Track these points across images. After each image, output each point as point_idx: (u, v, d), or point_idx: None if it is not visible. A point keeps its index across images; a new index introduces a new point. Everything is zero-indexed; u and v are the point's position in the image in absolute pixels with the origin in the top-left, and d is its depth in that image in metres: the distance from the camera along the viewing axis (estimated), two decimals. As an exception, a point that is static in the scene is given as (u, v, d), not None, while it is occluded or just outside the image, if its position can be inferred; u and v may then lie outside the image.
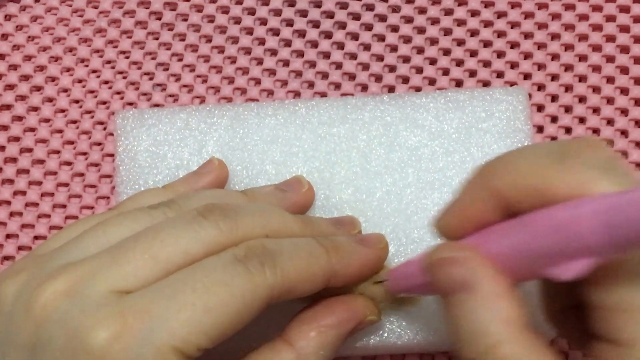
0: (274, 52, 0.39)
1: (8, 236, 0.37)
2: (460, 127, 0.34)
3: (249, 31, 0.39)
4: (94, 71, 0.39)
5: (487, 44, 0.38)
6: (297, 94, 0.38)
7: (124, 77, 0.39)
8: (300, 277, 0.25)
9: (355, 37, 0.39)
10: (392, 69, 0.38)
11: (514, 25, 0.38)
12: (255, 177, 0.34)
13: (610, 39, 0.38)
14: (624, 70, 0.37)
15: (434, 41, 0.38)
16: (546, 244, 0.20)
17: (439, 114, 0.34)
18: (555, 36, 0.38)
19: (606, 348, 0.20)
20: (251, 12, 0.40)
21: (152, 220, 0.26)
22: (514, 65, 0.38)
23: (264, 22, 0.39)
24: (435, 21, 0.39)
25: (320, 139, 0.34)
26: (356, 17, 0.39)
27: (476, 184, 0.23)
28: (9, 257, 0.37)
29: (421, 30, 0.39)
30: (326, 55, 0.39)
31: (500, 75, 0.38)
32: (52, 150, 0.38)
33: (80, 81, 0.39)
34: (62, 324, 0.23)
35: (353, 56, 0.39)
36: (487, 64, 0.38)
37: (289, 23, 0.39)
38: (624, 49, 0.37)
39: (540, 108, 0.37)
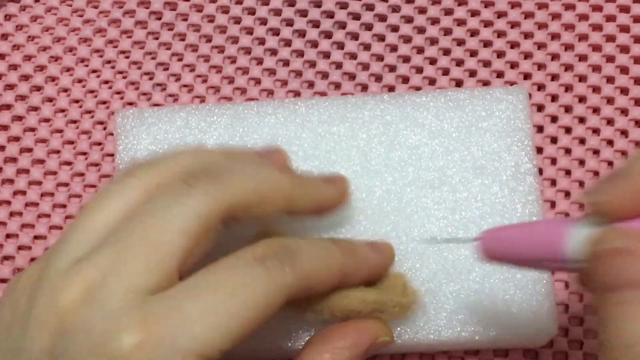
0: (274, 52, 0.39)
1: (8, 236, 0.37)
2: (460, 126, 0.34)
3: (249, 31, 0.39)
4: (94, 71, 0.39)
5: (487, 44, 0.38)
6: (297, 94, 0.38)
7: (124, 77, 0.39)
8: (318, 275, 0.25)
9: (355, 37, 0.39)
10: (392, 68, 0.38)
11: (514, 25, 0.38)
12: None
13: (610, 38, 0.38)
14: (624, 70, 0.37)
15: (434, 41, 0.38)
16: None
17: (439, 113, 0.34)
18: (555, 36, 0.38)
19: None
20: (251, 12, 0.40)
21: (138, 192, 0.25)
22: (514, 65, 0.38)
23: (264, 22, 0.39)
24: (435, 21, 0.39)
25: (320, 137, 0.34)
26: (356, 17, 0.39)
27: None
28: (8, 257, 0.37)
29: (421, 30, 0.39)
30: (326, 55, 0.39)
31: (500, 75, 0.38)
32: (52, 150, 0.38)
33: (80, 81, 0.39)
34: (83, 333, 0.22)
35: (353, 56, 0.39)
36: (487, 63, 0.38)
37: (289, 23, 0.39)
38: (624, 49, 0.37)
39: (540, 108, 0.37)
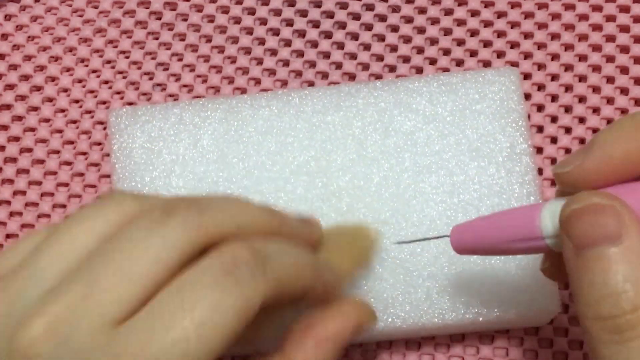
0: (274, 52, 0.39)
1: (8, 236, 0.37)
2: (454, 109, 0.34)
3: (249, 31, 0.39)
4: (94, 71, 0.39)
5: (486, 44, 0.38)
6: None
7: (124, 77, 0.39)
8: (290, 278, 0.24)
9: (355, 37, 0.39)
10: (392, 68, 0.38)
11: (513, 25, 0.38)
12: (252, 169, 0.34)
13: (610, 38, 0.38)
14: (624, 70, 0.37)
15: (433, 41, 0.38)
16: None
17: (432, 98, 0.34)
18: (555, 36, 0.38)
19: None
20: (251, 12, 0.40)
21: (113, 219, 0.24)
22: (513, 64, 0.38)
23: (264, 22, 0.39)
24: (435, 21, 0.39)
25: (315, 127, 0.34)
26: (356, 17, 0.39)
27: (631, 128, 0.21)
28: (9, 257, 0.37)
29: (421, 30, 0.39)
30: (326, 55, 0.39)
31: (500, 75, 0.38)
32: (52, 150, 0.38)
33: (80, 81, 0.39)
34: None
35: (353, 56, 0.39)
36: (487, 64, 0.38)
37: (289, 23, 0.39)
38: (624, 49, 0.37)
39: (540, 108, 0.37)
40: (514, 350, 0.34)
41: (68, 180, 0.38)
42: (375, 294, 0.32)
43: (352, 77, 0.38)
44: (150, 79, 0.39)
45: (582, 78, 0.37)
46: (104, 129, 0.38)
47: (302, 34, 0.39)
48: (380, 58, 0.38)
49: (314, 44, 0.39)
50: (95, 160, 0.38)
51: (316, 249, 0.29)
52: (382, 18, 0.39)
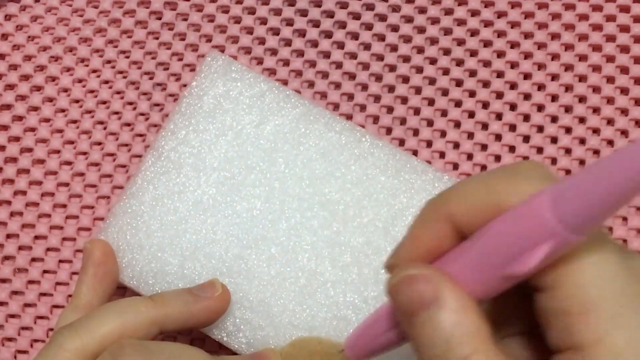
0: (274, 52, 0.39)
1: (8, 236, 0.37)
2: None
3: (249, 31, 0.39)
4: (94, 71, 0.39)
5: (487, 43, 0.38)
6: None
7: (124, 77, 0.39)
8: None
9: (355, 36, 0.39)
10: (392, 68, 0.38)
11: (514, 25, 0.38)
12: (288, 177, 0.34)
13: (610, 38, 0.38)
14: (624, 70, 0.37)
15: (434, 41, 0.38)
16: (504, 240, 0.20)
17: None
18: (555, 36, 0.38)
19: (569, 357, 0.20)
20: (251, 11, 0.40)
21: None
22: (514, 65, 0.38)
23: (264, 21, 0.39)
24: (435, 21, 0.39)
25: (369, 181, 0.34)
26: (356, 16, 0.39)
27: (428, 214, 0.23)
28: (9, 257, 0.37)
29: (421, 30, 0.39)
30: (326, 54, 0.39)
31: (500, 75, 0.38)
32: (52, 150, 0.38)
33: (80, 81, 0.39)
34: None
35: (353, 56, 0.39)
36: (487, 63, 0.38)
37: (289, 22, 0.39)
38: (624, 49, 0.37)
39: (540, 108, 0.37)
40: None
41: (68, 180, 0.38)
42: None
43: (352, 76, 0.38)
44: (150, 78, 0.39)
45: (582, 78, 0.37)
46: (104, 128, 0.38)
47: (302, 33, 0.39)
48: (380, 57, 0.38)
49: (314, 44, 0.39)
50: (95, 160, 0.38)
51: None
52: (382, 18, 0.39)
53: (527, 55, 0.38)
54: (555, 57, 0.38)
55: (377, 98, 0.38)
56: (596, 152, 0.36)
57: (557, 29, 0.38)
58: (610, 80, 0.37)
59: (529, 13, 0.38)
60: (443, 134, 0.37)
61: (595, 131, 0.37)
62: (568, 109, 0.37)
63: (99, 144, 0.38)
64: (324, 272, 0.33)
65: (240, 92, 0.35)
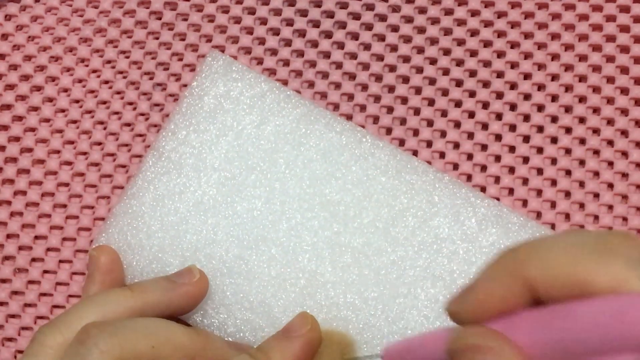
0: (274, 52, 0.39)
1: (8, 236, 0.37)
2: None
3: (249, 31, 0.39)
4: (94, 71, 0.39)
5: (487, 44, 0.38)
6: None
7: (124, 77, 0.39)
8: None
9: (355, 36, 0.39)
10: (392, 68, 0.38)
11: (514, 25, 0.38)
12: (288, 178, 0.34)
13: (610, 39, 0.38)
14: (624, 70, 0.37)
15: (434, 41, 0.38)
16: (587, 337, 0.19)
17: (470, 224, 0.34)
18: (555, 36, 0.38)
19: None
20: (251, 11, 0.40)
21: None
22: (514, 65, 0.38)
23: (264, 21, 0.39)
24: (435, 21, 0.39)
25: (369, 181, 0.34)
26: (356, 16, 0.39)
27: (504, 271, 0.22)
28: (9, 257, 0.37)
29: (421, 30, 0.39)
30: (326, 55, 0.39)
31: (500, 75, 0.38)
32: (52, 150, 0.38)
33: (80, 81, 0.39)
34: None
35: (353, 56, 0.39)
36: (487, 63, 0.38)
37: (289, 23, 0.39)
38: (624, 49, 0.37)
39: (540, 108, 0.37)
40: None
41: (68, 180, 0.38)
42: None
43: (352, 76, 0.38)
44: (151, 78, 0.39)
45: (582, 78, 0.37)
46: (105, 128, 0.38)
47: (302, 33, 0.39)
48: (380, 58, 0.38)
49: (314, 44, 0.39)
50: (95, 160, 0.38)
51: None
52: (382, 18, 0.39)
53: (527, 56, 0.38)
54: (555, 57, 0.38)
55: (377, 98, 0.38)
56: (596, 152, 0.37)
57: (557, 29, 0.38)
58: (610, 80, 0.37)
59: (529, 13, 0.38)
60: (443, 134, 0.37)
61: (595, 131, 0.37)
62: (568, 109, 0.37)
63: (99, 144, 0.38)
64: (324, 273, 0.33)
65: (241, 92, 0.35)
